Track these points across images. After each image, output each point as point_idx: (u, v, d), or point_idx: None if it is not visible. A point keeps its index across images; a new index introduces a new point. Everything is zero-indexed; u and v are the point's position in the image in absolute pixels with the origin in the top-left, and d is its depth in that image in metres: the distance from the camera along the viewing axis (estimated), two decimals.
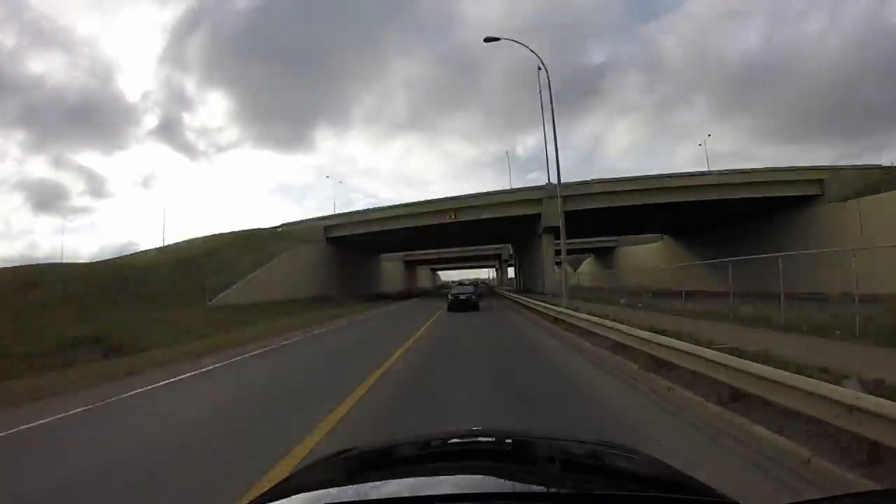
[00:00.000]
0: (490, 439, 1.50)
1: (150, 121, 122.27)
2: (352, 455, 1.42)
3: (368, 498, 1.02)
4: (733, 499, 1.05)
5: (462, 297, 23.64)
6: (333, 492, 1.12)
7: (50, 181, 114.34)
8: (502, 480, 1.13)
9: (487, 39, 18.63)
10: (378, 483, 1.15)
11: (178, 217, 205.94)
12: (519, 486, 1.06)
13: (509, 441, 1.54)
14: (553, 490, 1.04)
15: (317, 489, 1.13)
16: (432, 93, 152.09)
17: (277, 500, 1.03)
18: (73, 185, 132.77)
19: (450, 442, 1.48)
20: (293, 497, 1.05)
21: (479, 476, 1.17)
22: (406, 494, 1.01)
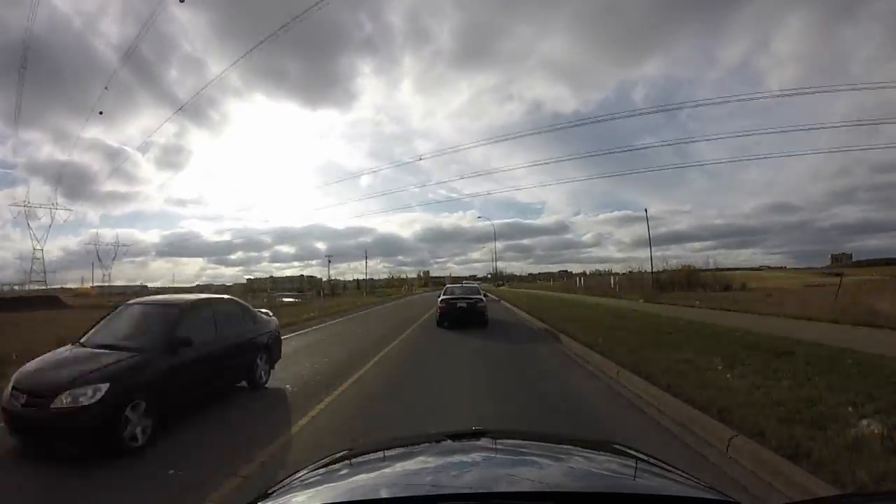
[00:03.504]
0: (490, 439, 1.50)
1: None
2: (351, 455, 1.42)
3: (368, 498, 1.03)
4: (734, 499, 1.05)
5: (461, 304, 15.09)
6: (333, 492, 1.13)
7: (70, 162, 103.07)
8: (503, 480, 1.13)
9: None
10: (378, 483, 1.16)
11: (221, 203, 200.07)
12: (519, 486, 1.07)
13: (509, 441, 1.54)
14: (553, 490, 1.04)
15: (317, 490, 1.14)
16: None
17: (277, 500, 1.04)
18: (95, 164, 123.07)
19: (449, 441, 1.49)
20: (293, 497, 1.06)
21: (480, 476, 1.18)
22: (406, 494, 1.02)
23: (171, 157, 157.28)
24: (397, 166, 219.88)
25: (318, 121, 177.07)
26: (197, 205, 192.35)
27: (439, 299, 15.91)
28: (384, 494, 1.05)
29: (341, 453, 1.45)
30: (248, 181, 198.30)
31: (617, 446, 1.49)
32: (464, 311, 14.84)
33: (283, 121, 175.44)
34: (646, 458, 1.34)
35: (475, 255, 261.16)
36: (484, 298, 15.98)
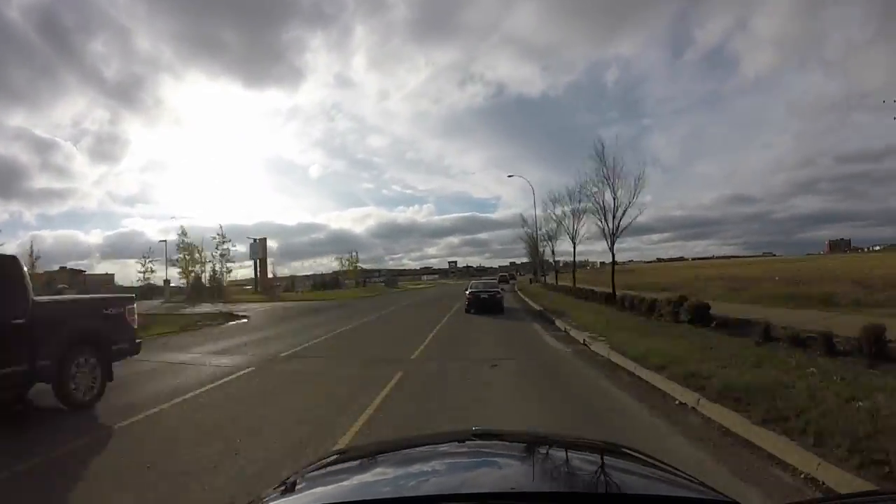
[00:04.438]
0: (488, 440, 1.51)
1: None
2: (351, 455, 1.42)
3: (368, 498, 1.02)
4: (734, 499, 1.05)
5: (483, 296, 20.43)
6: (333, 492, 1.13)
7: None
8: (502, 480, 1.14)
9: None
10: (377, 483, 1.17)
11: (165, 199, 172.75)
12: (519, 486, 1.07)
13: (509, 441, 1.55)
14: (553, 490, 1.05)
15: (317, 489, 1.14)
16: None
17: (278, 500, 1.03)
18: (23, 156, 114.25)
19: (449, 442, 1.51)
20: (294, 497, 1.05)
21: (479, 476, 1.18)
22: (405, 494, 1.02)
23: (106, 148, 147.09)
24: (349, 158, 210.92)
25: (264, 104, 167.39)
26: (141, 203, 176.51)
27: (467, 292, 21.21)
28: (381, 495, 1.05)
29: (338, 454, 1.44)
30: (193, 175, 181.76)
31: (616, 447, 1.49)
32: (485, 301, 20.09)
33: (227, 106, 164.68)
34: (644, 458, 1.34)
35: (431, 250, 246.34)
36: (501, 291, 22.22)
